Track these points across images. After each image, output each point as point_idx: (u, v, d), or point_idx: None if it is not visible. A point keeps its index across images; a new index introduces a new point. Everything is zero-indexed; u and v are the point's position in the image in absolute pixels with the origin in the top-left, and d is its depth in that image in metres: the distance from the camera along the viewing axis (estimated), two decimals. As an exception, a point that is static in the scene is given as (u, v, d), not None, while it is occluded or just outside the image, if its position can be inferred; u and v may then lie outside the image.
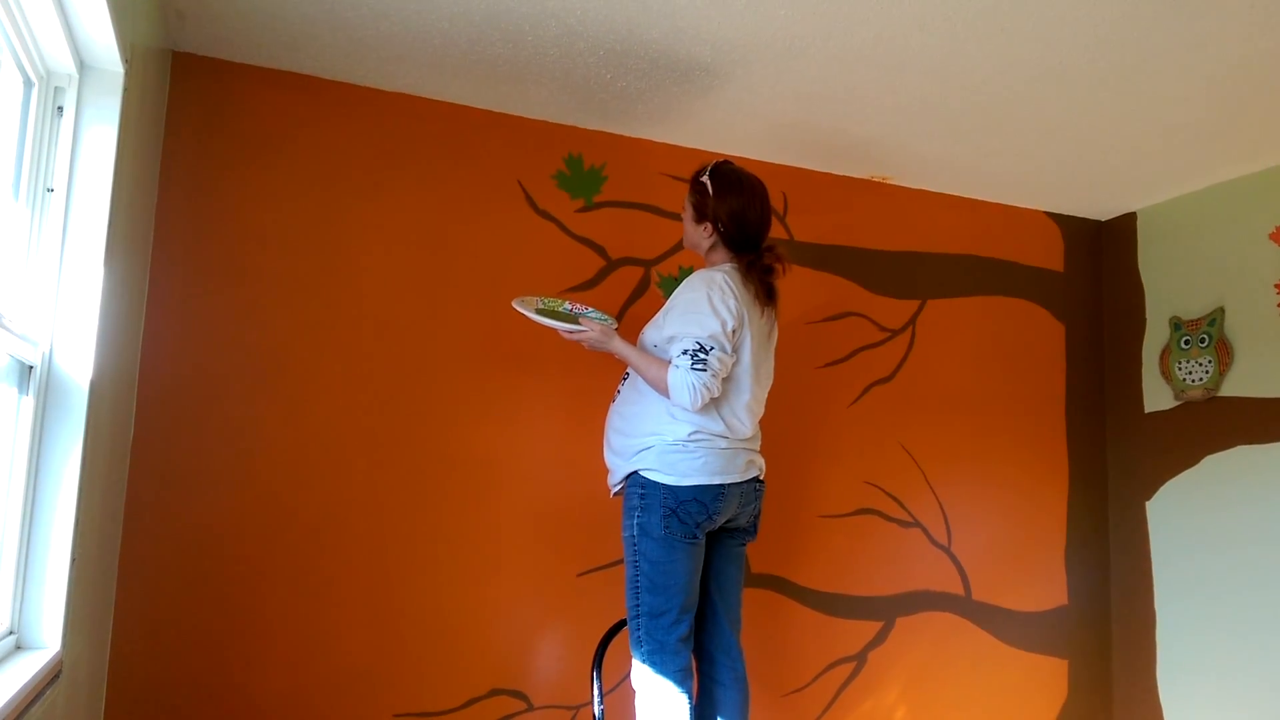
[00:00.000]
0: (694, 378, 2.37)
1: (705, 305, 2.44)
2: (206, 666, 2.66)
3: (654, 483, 2.44)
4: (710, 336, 2.41)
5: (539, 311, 2.61)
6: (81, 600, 2.09)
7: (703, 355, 2.39)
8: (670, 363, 2.42)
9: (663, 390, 2.42)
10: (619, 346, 2.54)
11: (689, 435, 2.43)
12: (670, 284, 3.21)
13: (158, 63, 2.57)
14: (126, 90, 2.05)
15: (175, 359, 2.70)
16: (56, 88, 1.97)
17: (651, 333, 2.57)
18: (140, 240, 2.54)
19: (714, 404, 2.45)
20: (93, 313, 1.98)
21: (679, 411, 2.44)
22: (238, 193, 2.81)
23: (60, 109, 1.98)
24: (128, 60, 2.02)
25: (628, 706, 2.99)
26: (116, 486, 2.52)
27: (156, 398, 2.67)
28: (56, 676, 1.85)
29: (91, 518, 2.12)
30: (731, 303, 2.45)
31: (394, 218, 2.97)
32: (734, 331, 2.46)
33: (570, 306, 2.70)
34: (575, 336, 2.58)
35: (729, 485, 2.47)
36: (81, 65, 1.98)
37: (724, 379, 2.45)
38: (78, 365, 1.96)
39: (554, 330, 2.60)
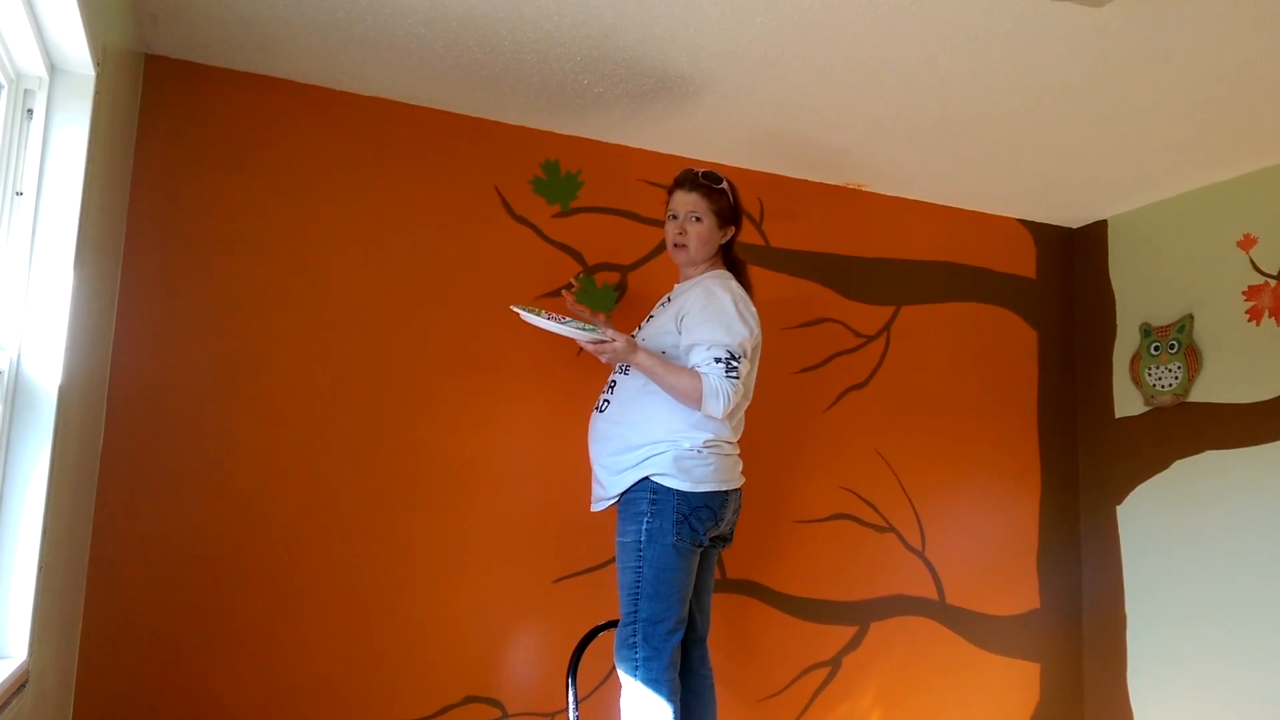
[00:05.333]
0: (727, 385, 2.37)
1: (733, 311, 2.45)
2: (176, 676, 2.63)
3: (667, 488, 2.41)
4: (739, 344, 2.42)
5: (541, 318, 2.46)
6: (49, 609, 2.06)
7: (735, 363, 2.40)
8: (696, 371, 2.40)
9: (690, 400, 2.39)
10: (642, 359, 2.43)
11: (705, 442, 2.43)
12: (592, 293, 3.18)
13: (130, 65, 2.55)
14: (98, 93, 2.03)
15: (146, 364, 2.68)
16: (26, 90, 1.96)
17: (665, 339, 2.52)
18: (111, 244, 2.52)
19: None
20: (62, 318, 1.96)
21: (700, 418, 2.42)
22: (211, 197, 2.79)
23: (30, 112, 1.96)
24: (99, 63, 2.00)
25: (603, 713, 2.99)
26: (85, 493, 2.49)
27: (127, 403, 2.64)
28: (23, 686, 1.83)
29: (60, 525, 2.09)
30: (754, 310, 2.53)
31: (369, 222, 2.95)
32: (755, 338, 2.51)
33: (551, 317, 2.53)
34: (596, 348, 2.44)
35: (731, 492, 2.50)
36: (52, 68, 1.96)
37: None
38: (46, 371, 1.93)
39: (542, 332, 2.52)
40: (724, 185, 2.60)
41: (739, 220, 2.65)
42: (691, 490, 2.41)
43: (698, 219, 2.57)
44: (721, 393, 2.36)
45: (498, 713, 2.96)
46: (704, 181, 2.58)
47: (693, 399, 2.38)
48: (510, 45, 2.59)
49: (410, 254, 2.99)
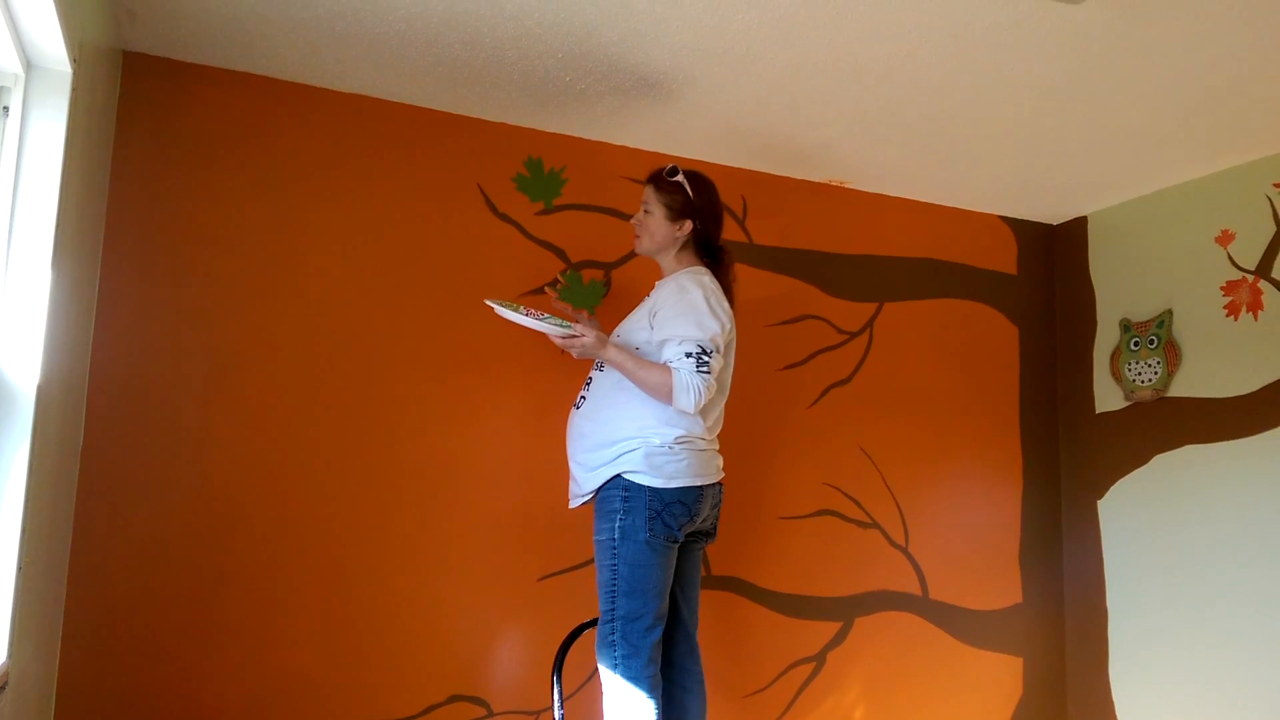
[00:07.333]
0: (699, 380, 2.38)
1: (704, 306, 2.45)
2: (158, 676, 2.62)
3: (639, 485, 2.42)
4: (711, 339, 2.43)
5: (515, 312, 2.47)
6: (29, 609, 2.04)
7: (706, 358, 2.40)
8: (668, 365, 2.41)
9: (661, 395, 2.40)
10: (613, 354, 2.45)
11: (677, 438, 2.44)
12: (578, 289, 3.18)
13: (108, 62, 2.53)
14: (75, 90, 2.01)
15: (126, 362, 2.66)
16: (2, 87, 1.94)
17: (639, 335, 2.54)
18: (90, 242, 2.50)
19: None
20: (40, 316, 1.94)
21: (672, 414, 2.43)
22: (191, 194, 2.77)
23: (6, 109, 1.94)
24: (76, 60, 1.98)
25: (588, 711, 2.99)
26: (66, 493, 2.47)
27: (107, 402, 2.62)
28: (3, 687, 1.82)
29: (40, 524, 2.08)
30: (726, 304, 2.53)
31: (351, 220, 2.94)
32: (728, 333, 2.51)
33: (526, 312, 2.53)
34: (566, 342, 2.48)
35: (706, 487, 2.50)
36: (28, 65, 1.94)
37: None
38: (24, 370, 1.92)
39: (526, 330, 2.54)
40: (679, 179, 2.60)
41: (699, 215, 2.60)
42: (663, 486, 2.41)
43: (647, 211, 2.63)
44: (692, 387, 2.37)
45: (483, 711, 2.96)
46: (659, 175, 2.63)
47: (664, 394, 2.39)
48: (491, 42, 2.59)
49: (392, 252, 2.98)
